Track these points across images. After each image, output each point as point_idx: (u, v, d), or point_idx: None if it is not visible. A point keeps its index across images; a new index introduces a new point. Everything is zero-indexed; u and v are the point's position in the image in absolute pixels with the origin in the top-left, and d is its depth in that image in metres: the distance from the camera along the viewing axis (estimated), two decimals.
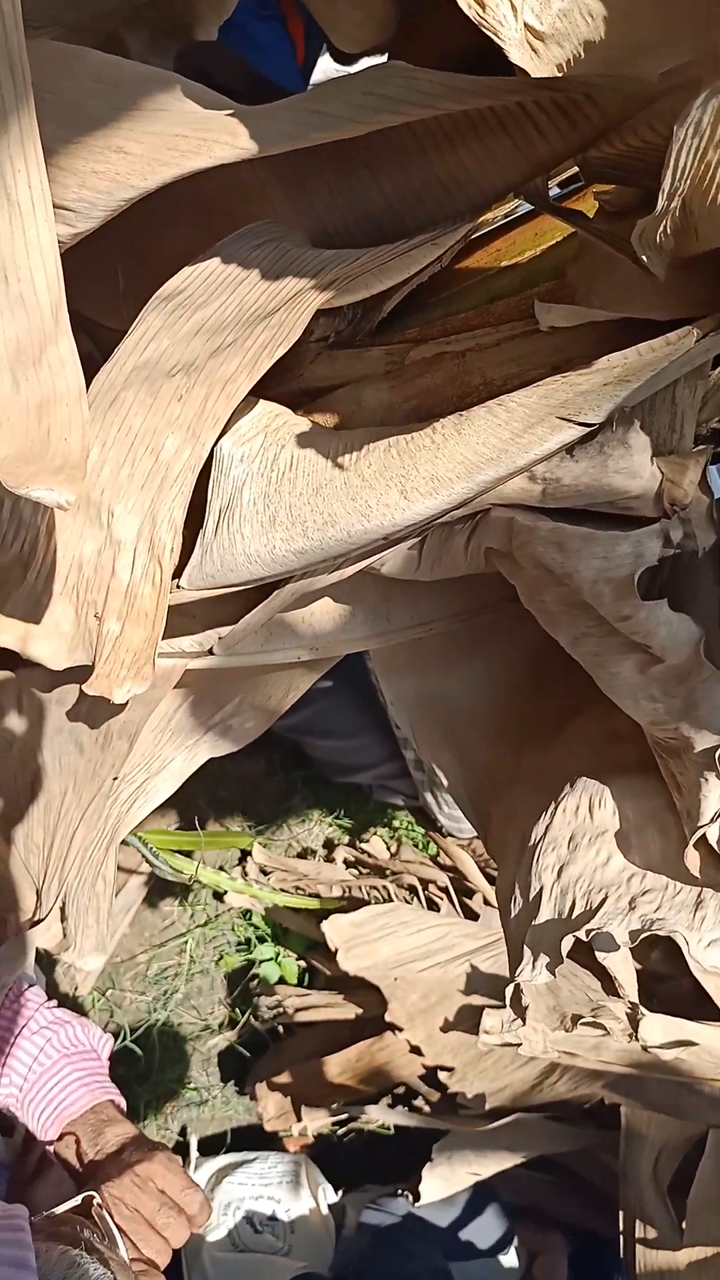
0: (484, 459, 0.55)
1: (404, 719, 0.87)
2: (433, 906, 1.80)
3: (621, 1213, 1.34)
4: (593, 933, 0.56)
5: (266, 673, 0.82)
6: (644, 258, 0.49)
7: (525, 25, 0.49)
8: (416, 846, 2.03)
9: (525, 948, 0.60)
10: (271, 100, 0.54)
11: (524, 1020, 0.61)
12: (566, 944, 0.58)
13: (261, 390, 0.61)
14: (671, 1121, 1.34)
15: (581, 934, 0.57)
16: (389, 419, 0.65)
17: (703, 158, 0.42)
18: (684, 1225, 1.27)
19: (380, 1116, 1.78)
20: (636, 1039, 0.78)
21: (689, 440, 0.57)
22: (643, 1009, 0.76)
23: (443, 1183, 1.56)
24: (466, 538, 0.62)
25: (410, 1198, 1.58)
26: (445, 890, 1.83)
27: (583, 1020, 0.61)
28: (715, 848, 0.57)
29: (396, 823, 2.12)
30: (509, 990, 0.61)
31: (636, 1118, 1.37)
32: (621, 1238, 1.34)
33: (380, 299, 0.66)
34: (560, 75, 0.51)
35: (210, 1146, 1.90)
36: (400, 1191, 1.63)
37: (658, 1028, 0.80)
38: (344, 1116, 1.81)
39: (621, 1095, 1.36)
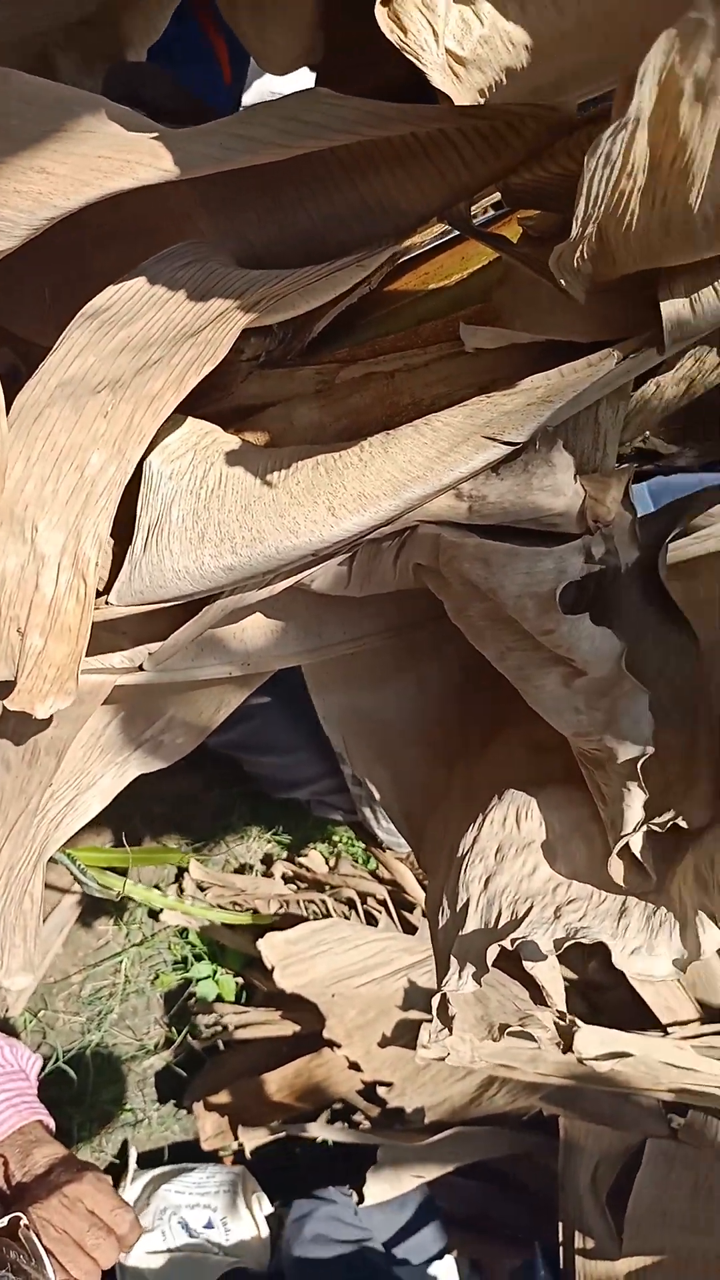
0: (411, 477, 0.56)
1: (335, 735, 0.87)
2: (371, 920, 1.80)
3: (561, 1223, 1.35)
4: (518, 942, 0.57)
5: (197, 689, 0.81)
6: (563, 282, 0.51)
7: (447, 50, 0.50)
8: (355, 861, 2.03)
9: (452, 958, 0.61)
10: (203, 119, 0.54)
11: (450, 1030, 0.62)
12: (492, 953, 0.58)
13: (192, 408, 0.61)
14: (609, 1132, 1.35)
15: (507, 943, 0.58)
16: (319, 438, 0.65)
17: (615, 186, 0.43)
18: (623, 1235, 1.29)
19: (320, 1133, 1.78)
20: (569, 1049, 0.78)
21: (612, 459, 0.59)
22: (577, 1020, 0.77)
23: (389, 1185, 1.56)
24: (395, 554, 0.63)
25: (355, 1197, 1.57)
26: (383, 903, 1.83)
27: (510, 1030, 0.62)
28: (638, 856, 0.58)
29: (336, 838, 2.12)
30: (435, 1000, 0.61)
31: (575, 1128, 1.38)
32: (561, 1248, 1.35)
33: (310, 319, 0.66)
34: (483, 104, 0.52)
35: (147, 1163, 1.87)
36: (346, 1192, 1.63)
37: (594, 1040, 0.81)
38: (282, 1135, 1.80)
39: (559, 1107, 1.38)
